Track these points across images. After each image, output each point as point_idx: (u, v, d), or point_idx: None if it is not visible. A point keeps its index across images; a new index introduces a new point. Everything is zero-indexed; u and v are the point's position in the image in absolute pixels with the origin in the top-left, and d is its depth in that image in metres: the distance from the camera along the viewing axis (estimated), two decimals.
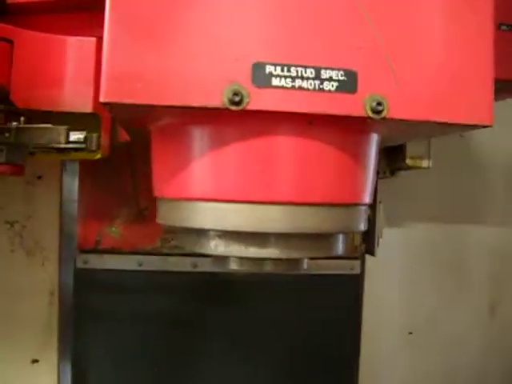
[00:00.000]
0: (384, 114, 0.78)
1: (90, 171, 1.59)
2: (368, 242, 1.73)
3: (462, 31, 0.84)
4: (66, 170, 1.71)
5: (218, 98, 0.74)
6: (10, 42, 1.08)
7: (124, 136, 1.22)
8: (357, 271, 1.75)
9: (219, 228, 0.88)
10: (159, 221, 1.01)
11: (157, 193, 0.98)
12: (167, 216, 0.96)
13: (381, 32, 0.80)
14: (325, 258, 1.32)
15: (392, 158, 1.71)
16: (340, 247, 0.98)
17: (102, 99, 0.74)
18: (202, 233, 0.92)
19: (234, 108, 0.74)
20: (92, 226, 1.60)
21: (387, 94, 0.79)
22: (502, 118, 1.94)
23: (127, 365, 1.66)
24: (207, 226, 0.89)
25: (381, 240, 1.72)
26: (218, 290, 1.68)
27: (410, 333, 2.09)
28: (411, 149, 1.60)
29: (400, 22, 0.81)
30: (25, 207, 1.79)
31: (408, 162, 1.60)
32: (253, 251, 0.88)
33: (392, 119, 0.79)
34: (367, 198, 0.95)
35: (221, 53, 0.76)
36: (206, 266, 1.63)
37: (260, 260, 0.94)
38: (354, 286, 1.78)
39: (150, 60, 0.75)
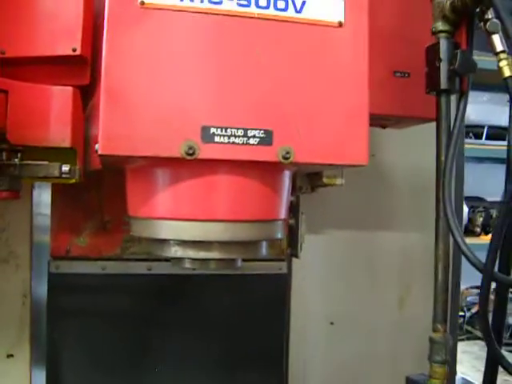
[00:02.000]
0: (291, 159, 1.14)
1: (61, 191, 1.77)
2: (293, 246, 1.97)
3: (344, 101, 1.19)
4: (35, 189, 1.90)
5: (177, 151, 1.09)
6: (6, 92, 1.29)
7: (93, 165, 1.46)
8: (284, 271, 1.98)
9: (178, 238, 1.22)
10: (133, 234, 1.32)
11: (131, 213, 1.30)
12: (140, 230, 1.29)
13: (289, 103, 1.16)
14: (256, 260, 1.64)
15: (312, 177, 1.95)
16: (264, 250, 1.33)
17: (99, 152, 1.07)
18: (165, 242, 1.26)
19: (188, 158, 1.09)
20: (63, 236, 1.78)
21: (293, 146, 1.14)
22: (407, 141, 2.24)
23: (92, 354, 1.83)
24: (169, 237, 1.23)
25: (304, 245, 1.95)
26: (169, 288, 1.88)
27: (332, 323, 2.30)
28: (327, 170, 1.83)
29: (301, 96, 1.17)
30: None
31: (324, 180, 1.85)
32: (202, 254, 1.23)
33: (297, 163, 1.16)
34: (283, 215, 1.30)
35: (180, 120, 1.11)
36: (158, 269, 1.83)
37: (207, 260, 1.29)
38: (282, 283, 2.00)
39: (131, 125, 1.08)
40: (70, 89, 1.37)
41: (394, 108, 1.62)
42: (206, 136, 1.11)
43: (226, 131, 1.11)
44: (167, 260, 1.72)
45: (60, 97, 1.35)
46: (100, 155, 1.08)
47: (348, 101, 1.19)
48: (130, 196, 1.31)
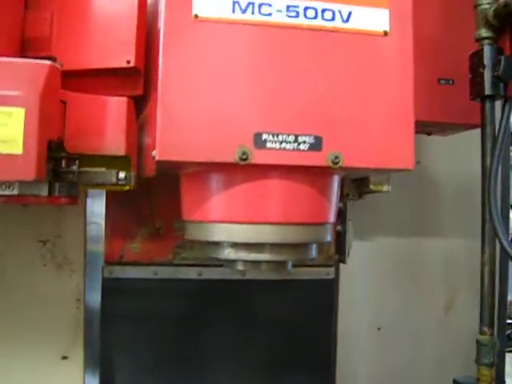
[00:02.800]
0: (340, 164, 1.17)
1: (114, 198, 1.82)
2: (340, 252, 1.98)
3: (390, 107, 1.22)
4: (88, 197, 1.95)
5: (231, 157, 1.13)
6: (64, 103, 1.34)
7: (147, 173, 1.47)
8: (332, 276, 1.99)
9: (231, 240, 1.26)
10: (187, 237, 1.36)
11: (185, 217, 1.35)
12: (194, 233, 1.34)
13: (337, 111, 1.19)
14: (304, 265, 1.65)
15: (359, 184, 1.98)
16: (313, 253, 1.36)
17: (157, 158, 1.11)
18: (218, 244, 1.30)
19: (242, 163, 1.14)
20: (116, 242, 1.83)
21: (342, 151, 1.18)
22: (452, 148, 2.25)
23: (144, 356, 1.86)
24: (222, 239, 1.27)
25: (351, 250, 1.95)
26: (219, 293, 1.91)
27: (379, 329, 2.33)
28: (374, 177, 1.86)
29: (349, 103, 1.20)
30: (54, 228, 2.02)
31: (371, 187, 1.87)
32: (254, 256, 1.27)
33: (345, 167, 1.19)
34: (332, 219, 1.33)
35: (233, 127, 1.15)
36: (209, 274, 1.87)
37: (258, 263, 1.32)
38: (329, 289, 2.01)
39: (187, 133, 1.13)
40: (124, 99, 1.40)
41: (438, 115, 1.65)
42: (259, 142, 1.15)
43: (277, 137, 1.16)
44: (217, 266, 1.78)
45: (115, 107, 1.39)
46: (157, 161, 1.13)
47: (394, 107, 1.22)
48: (184, 200, 1.35)
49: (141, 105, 1.49)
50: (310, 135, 1.17)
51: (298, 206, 1.25)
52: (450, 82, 1.64)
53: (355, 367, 2.31)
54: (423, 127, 1.74)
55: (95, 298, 1.92)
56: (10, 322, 2.01)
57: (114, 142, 1.38)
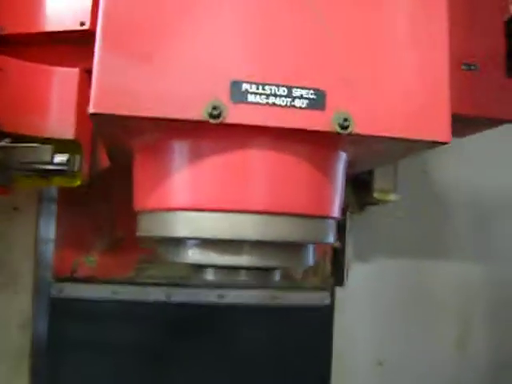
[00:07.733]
0: (350, 129, 0.85)
1: (68, 202, 1.61)
2: (337, 274, 1.77)
3: (420, 58, 0.92)
4: (41, 203, 1.72)
5: (198, 112, 0.81)
6: None
7: (102, 165, 1.28)
8: (327, 302, 1.77)
9: (195, 236, 0.93)
10: (140, 234, 1.05)
11: (138, 207, 1.03)
12: (147, 227, 1.01)
13: (348, 57, 0.88)
14: (295, 287, 1.55)
15: (361, 194, 1.78)
16: (310, 258, 1.02)
17: (90, 110, 0.80)
18: (180, 242, 0.97)
19: (212, 121, 0.81)
20: (68, 254, 1.61)
21: (353, 112, 0.86)
22: (465, 158, 2.05)
23: None
24: (185, 235, 0.93)
25: (350, 273, 1.76)
26: (191, 320, 1.68)
27: (380, 364, 2.09)
28: (379, 183, 1.66)
29: (365, 47, 0.90)
30: (0, 238, 1.78)
31: (376, 195, 1.67)
32: (227, 259, 0.93)
33: (358, 134, 0.87)
34: (336, 213, 1.00)
35: (202, 71, 0.84)
36: (179, 297, 1.64)
37: (234, 269, 0.99)
38: (324, 317, 1.79)
39: (135, 77, 0.82)
40: (75, 71, 1.22)
41: (462, 106, 1.40)
42: (237, 94, 0.83)
43: (263, 89, 0.84)
44: (191, 286, 1.66)
45: (64, 80, 1.22)
46: (92, 115, 0.81)
47: (424, 58, 0.93)
48: (136, 185, 1.04)
49: None
50: (309, 89, 0.86)
51: (290, 190, 0.91)
52: (473, 67, 1.44)
53: None
54: None
55: (44, 324, 1.69)
56: None
57: (61, 122, 1.21)
